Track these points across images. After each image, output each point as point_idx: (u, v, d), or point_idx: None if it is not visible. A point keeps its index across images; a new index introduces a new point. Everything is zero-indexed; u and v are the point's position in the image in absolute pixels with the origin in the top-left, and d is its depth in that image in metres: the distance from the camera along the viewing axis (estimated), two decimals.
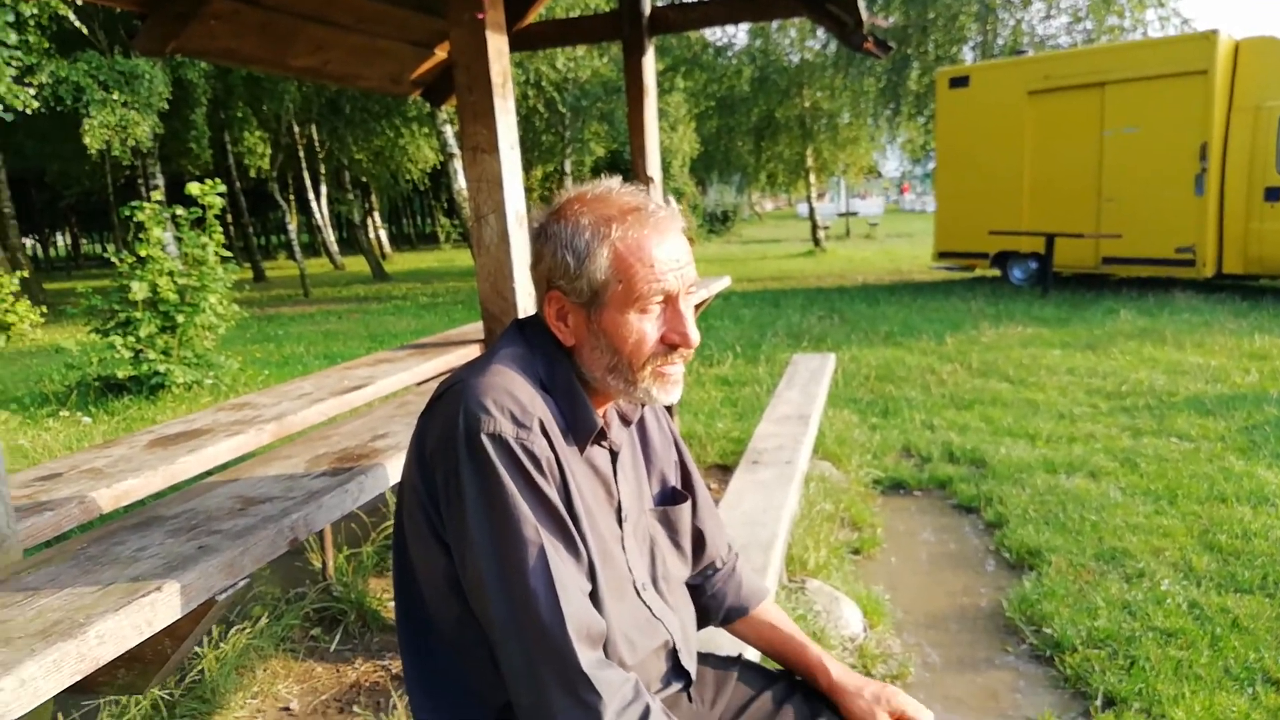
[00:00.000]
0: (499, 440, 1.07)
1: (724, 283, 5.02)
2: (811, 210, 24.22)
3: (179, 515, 1.39)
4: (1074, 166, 11.87)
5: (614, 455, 1.26)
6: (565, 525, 1.10)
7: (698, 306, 4.75)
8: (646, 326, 1.15)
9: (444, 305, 15.22)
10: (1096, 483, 4.38)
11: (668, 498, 1.39)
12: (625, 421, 1.31)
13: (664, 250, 1.16)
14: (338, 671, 2.86)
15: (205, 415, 2.14)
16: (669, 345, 1.17)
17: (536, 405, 1.12)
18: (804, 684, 1.47)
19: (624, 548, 1.24)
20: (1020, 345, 8.05)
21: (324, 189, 25.40)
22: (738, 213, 36.50)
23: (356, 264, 26.52)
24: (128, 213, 7.48)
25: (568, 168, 22.04)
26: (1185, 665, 2.71)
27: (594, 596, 1.14)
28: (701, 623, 1.50)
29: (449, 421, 1.10)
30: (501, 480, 1.06)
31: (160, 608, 1.10)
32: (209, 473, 1.76)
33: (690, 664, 1.33)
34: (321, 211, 25.41)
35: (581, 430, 1.18)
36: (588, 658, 1.05)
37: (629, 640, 1.20)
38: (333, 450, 1.80)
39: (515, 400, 1.10)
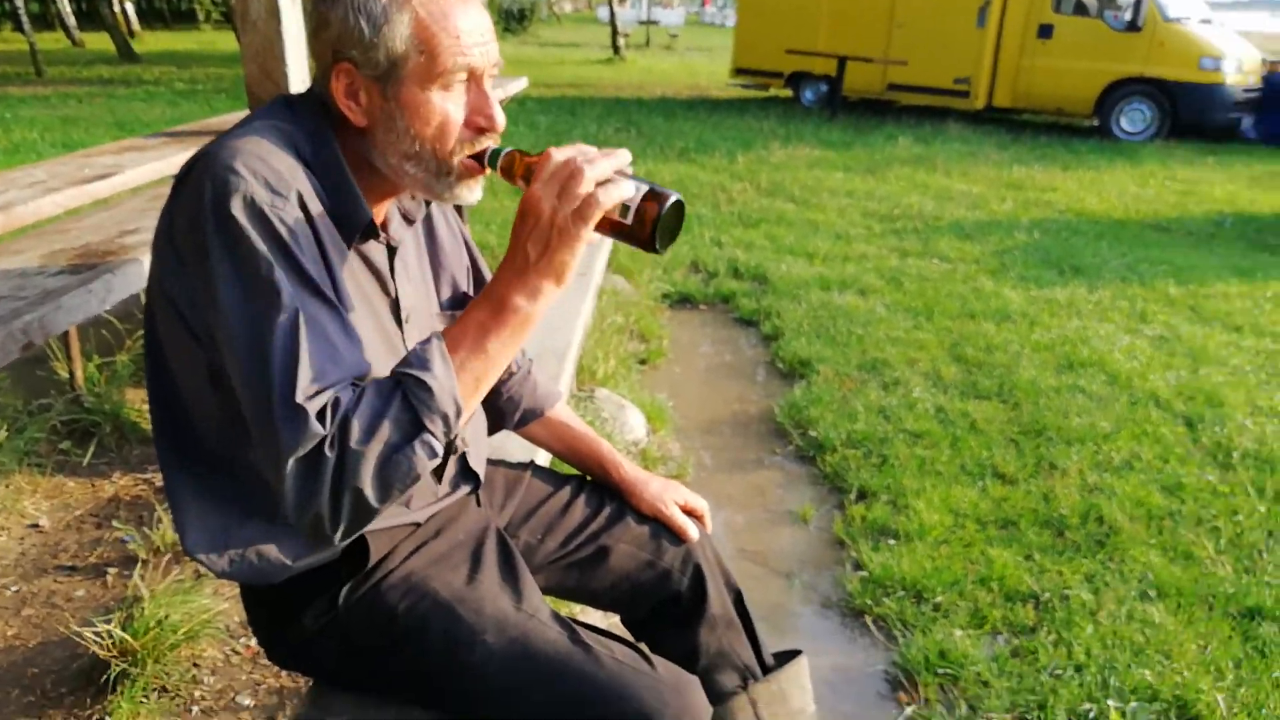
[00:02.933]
0: (251, 207, 0.94)
1: (521, 84, 4.78)
2: (613, 15, 23.36)
3: None
4: None
5: (392, 251, 1.16)
6: (333, 303, 0.98)
7: None
8: (450, 107, 1.03)
9: (204, 93, 13.70)
10: (865, 299, 4.68)
11: (458, 302, 1.32)
12: (408, 220, 1.20)
13: (468, 21, 1.03)
14: (93, 486, 2.66)
15: None
16: (474, 129, 1.06)
17: (297, 177, 0.99)
18: (594, 483, 1.50)
19: (405, 347, 1.17)
20: (807, 167, 8.32)
21: None
22: (535, 12, 34.64)
23: (99, 41, 23.12)
24: None
25: None
26: (929, 463, 3.02)
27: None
28: (496, 427, 1.48)
29: (195, 196, 0.95)
30: (255, 247, 0.93)
31: None
32: None
33: (479, 466, 1.31)
34: None
35: (349, 221, 1.06)
36: (315, 407, 0.91)
37: None
38: (72, 246, 1.56)
39: (269, 167, 0.97)
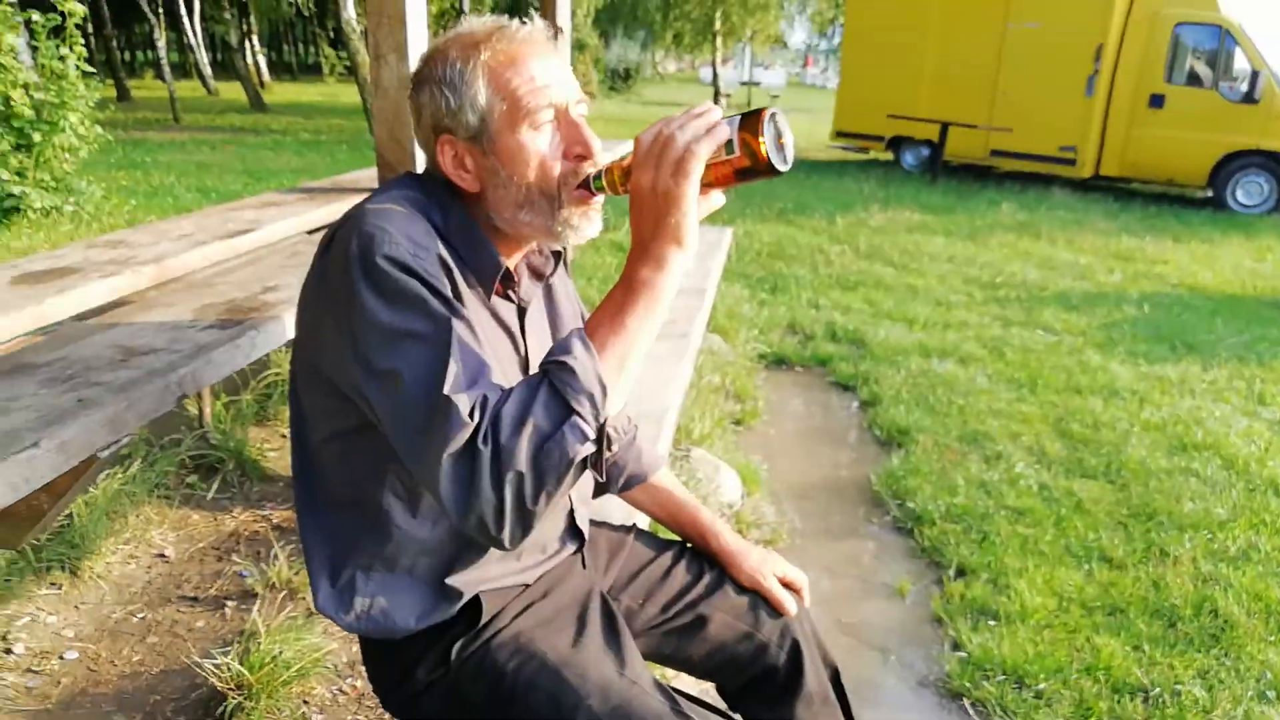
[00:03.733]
0: (395, 257, 0.98)
1: (628, 146, 4.90)
2: (715, 75, 23.82)
3: (52, 363, 1.29)
4: (974, 56, 11.97)
5: (522, 310, 1.23)
6: (470, 325, 1.00)
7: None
8: (543, 144, 1.09)
9: (327, 144, 14.44)
10: (965, 368, 4.61)
11: None
12: (536, 276, 1.26)
13: (539, 63, 1.09)
14: (215, 520, 2.81)
15: (74, 251, 1.97)
16: (574, 159, 1.12)
17: (433, 240, 1.05)
18: (693, 550, 1.53)
19: None
20: (906, 231, 8.27)
21: (197, 4, 23.29)
22: (639, 71, 35.50)
23: (231, 91, 24.67)
24: None
25: (465, 5, 20.79)
26: (1031, 542, 2.95)
27: None
28: (600, 491, 1.53)
29: (342, 252, 1.01)
30: (401, 285, 0.97)
31: (38, 465, 1.02)
32: (80, 317, 1.63)
33: (585, 525, 1.35)
34: (194, 29, 23.38)
35: (484, 273, 1.12)
36: (467, 400, 0.94)
37: None
38: (219, 300, 1.69)
39: (409, 231, 1.02)
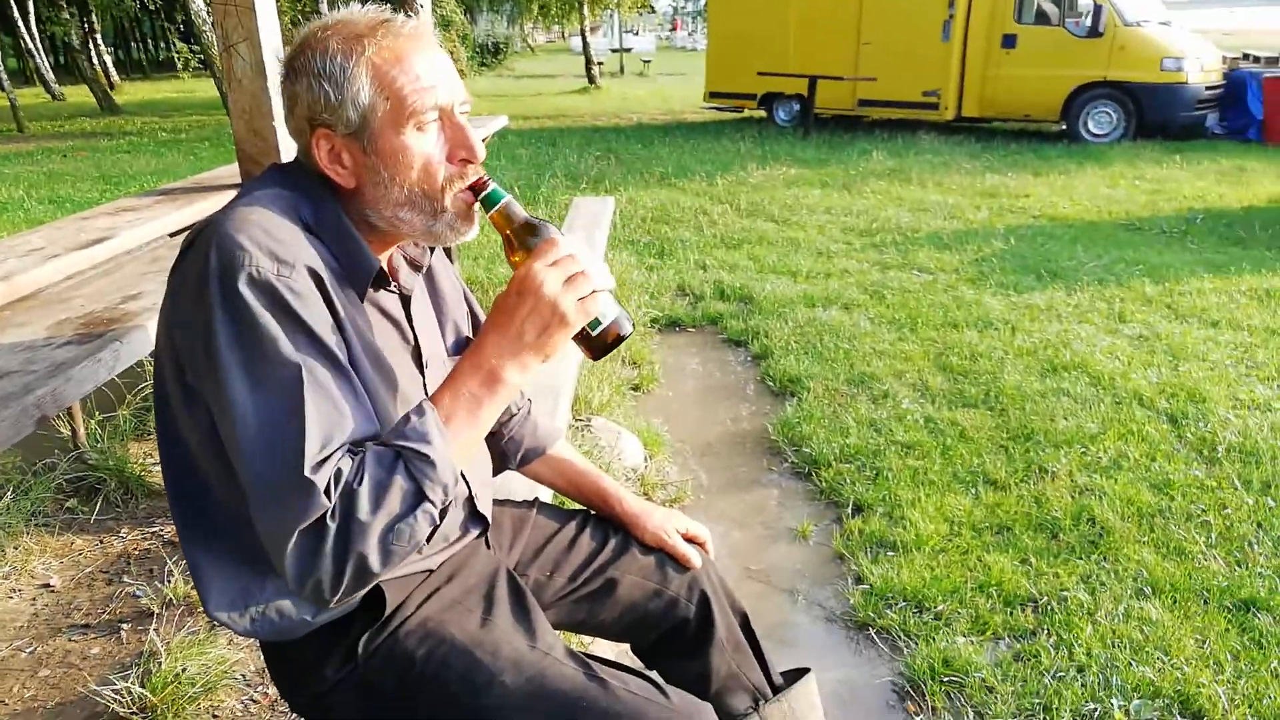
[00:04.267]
0: (258, 281, 0.97)
1: (501, 121, 4.85)
2: (585, 45, 23.61)
3: None
4: (836, 9, 12.24)
5: (405, 299, 1.21)
6: (341, 365, 1.01)
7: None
8: (427, 147, 1.07)
9: (187, 142, 13.77)
10: (849, 314, 4.76)
11: (461, 346, 1.36)
12: (415, 267, 1.25)
13: (425, 61, 1.07)
14: (101, 542, 2.69)
15: None
16: (458, 163, 1.11)
17: (300, 246, 1.02)
18: (597, 517, 1.55)
19: (426, 393, 1.21)
20: (784, 186, 8.43)
21: (31, 5, 21.75)
22: (509, 45, 34.94)
23: (79, 94, 23.21)
24: None
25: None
26: (921, 473, 3.08)
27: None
28: (500, 467, 1.53)
29: (200, 270, 0.98)
30: (258, 322, 0.96)
31: None
32: None
33: (487, 509, 1.35)
34: (30, 31, 21.85)
35: (358, 273, 1.10)
36: (317, 474, 0.95)
37: None
38: (76, 315, 1.60)
39: (274, 238, 1.00)
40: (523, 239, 1.07)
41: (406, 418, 1.01)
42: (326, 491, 0.94)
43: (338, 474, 0.95)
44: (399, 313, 1.20)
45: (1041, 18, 11.29)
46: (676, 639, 1.50)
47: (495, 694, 1.14)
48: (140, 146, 13.44)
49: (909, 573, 2.52)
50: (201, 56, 19.14)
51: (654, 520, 1.51)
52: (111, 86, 25.27)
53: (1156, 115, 10.59)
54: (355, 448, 0.99)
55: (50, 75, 24.25)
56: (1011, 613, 2.37)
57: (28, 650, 2.22)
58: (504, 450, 1.52)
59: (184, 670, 1.95)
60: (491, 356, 1.02)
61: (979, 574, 2.52)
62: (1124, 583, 2.45)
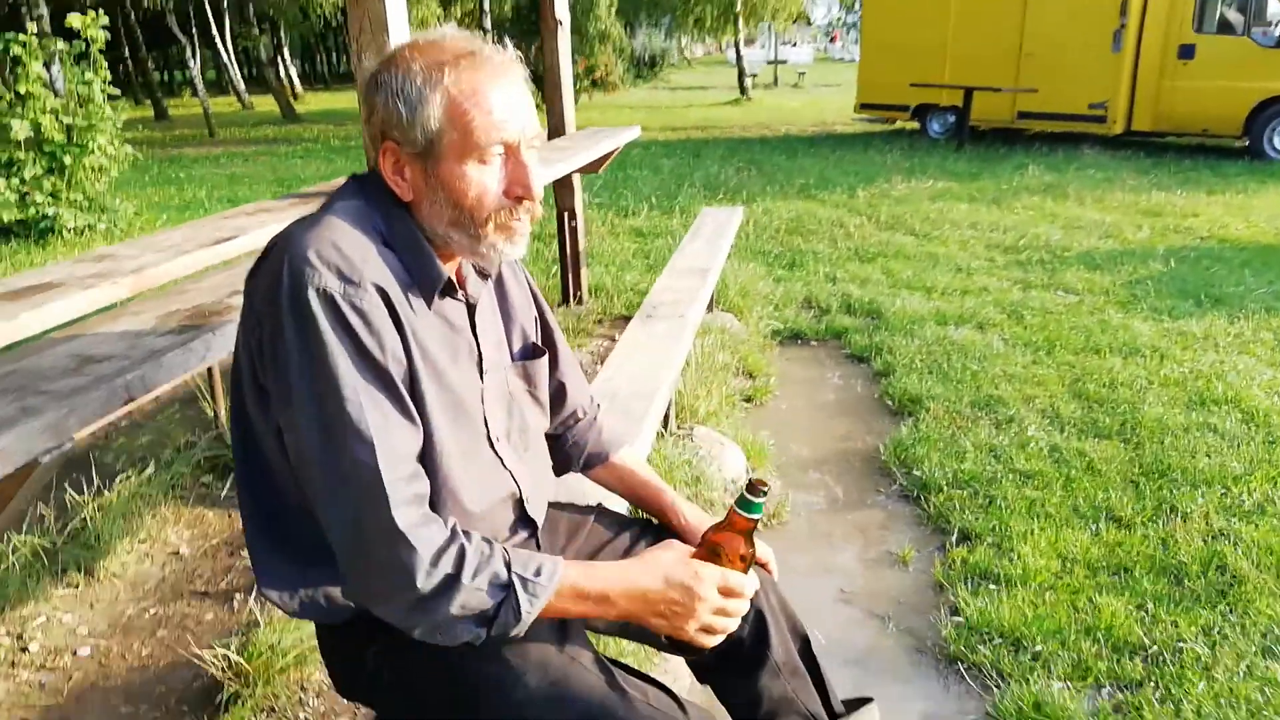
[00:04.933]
0: (324, 296, 1.03)
1: (631, 133, 4.91)
2: (739, 57, 23.60)
3: (5, 376, 1.34)
4: (996, 19, 11.74)
5: (471, 308, 1.25)
6: (394, 385, 1.08)
7: (602, 160, 4.65)
8: (486, 178, 1.12)
9: (357, 149, 14.62)
10: (982, 334, 4.55)
11: (527, 353, 1.39)
12: (483, 275, 1.29)
13: (501, 96, 1.11)
14: (229, 517, 2.89)
15: (62, 268, 2.04)
16: (513, 198, 1.15)
17: (370, 259, 1.08)
18: (659, 527, 1.55)
19: (482, 400, 1.25)
20: (930, 199, 8.15)
21: (227, 22, 23.68)
22: (666, 58, 35.31)
23: (266, 104, 25.08)
24: (2, 46, 6.91)
25: (486, 5, 20.90)
26: (1038, 504, 2.91)
27: (433, 453, 1.13)
28: (563, 469, 1.55)
29: (273, 279, 1.05)
30: (324, 339, 1.03)
31: None
32: (55, 329, 1.70)
33: (537, 512, 1.37)
34: (226, 46, 23.80)
35: (427, 283, 1.15)
36: (406, 516, 1.04)
37: (477, 490, 1.22)
38: (185, 307, 1.73)
39: (343, 255, 1.06)
40: (733, 541, 1.21)
41: (543, 561, 1.11)
42: (429, 558, 1.04)
43: (456, 553, 1.05)
44: (464, 322, 1.23)
45: (1225, 27, 10.48)
46: (729, 658, 1.47)
47: (519, 692, 1.16)
48: (314, 152, 14.38)
49: (1010, 608, 2.39)
50: None
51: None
52: (295, 96, 27.19)
53: None
54: (474, 538, 1.10)
55: (241, 85, 26.27)
56: (1119, 660, 2.20)
57: (151, 611, 2.41)
58: (567, 453, 1.54)
59: (279, 642, 2.07)
60: (622, 597, 1.14)
61: (1087, 616, 2.36)
62: (1250, 638, 2.24)
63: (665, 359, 2.80)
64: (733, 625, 1.18)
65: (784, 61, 36.00)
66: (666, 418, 3.23)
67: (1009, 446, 3.31)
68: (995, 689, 2.15)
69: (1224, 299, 4.92)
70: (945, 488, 3.06)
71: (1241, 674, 2.12)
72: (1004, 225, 7.00)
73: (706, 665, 1.52)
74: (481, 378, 1.25)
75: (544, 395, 1.42)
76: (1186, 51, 10.58)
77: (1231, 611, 2.35)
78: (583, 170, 4.72)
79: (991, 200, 8.02)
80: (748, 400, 3.99)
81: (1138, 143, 11.45)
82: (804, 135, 14.23)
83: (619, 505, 1.79)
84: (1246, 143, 10.43)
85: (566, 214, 4.88)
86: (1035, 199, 7.96)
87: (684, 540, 1.49)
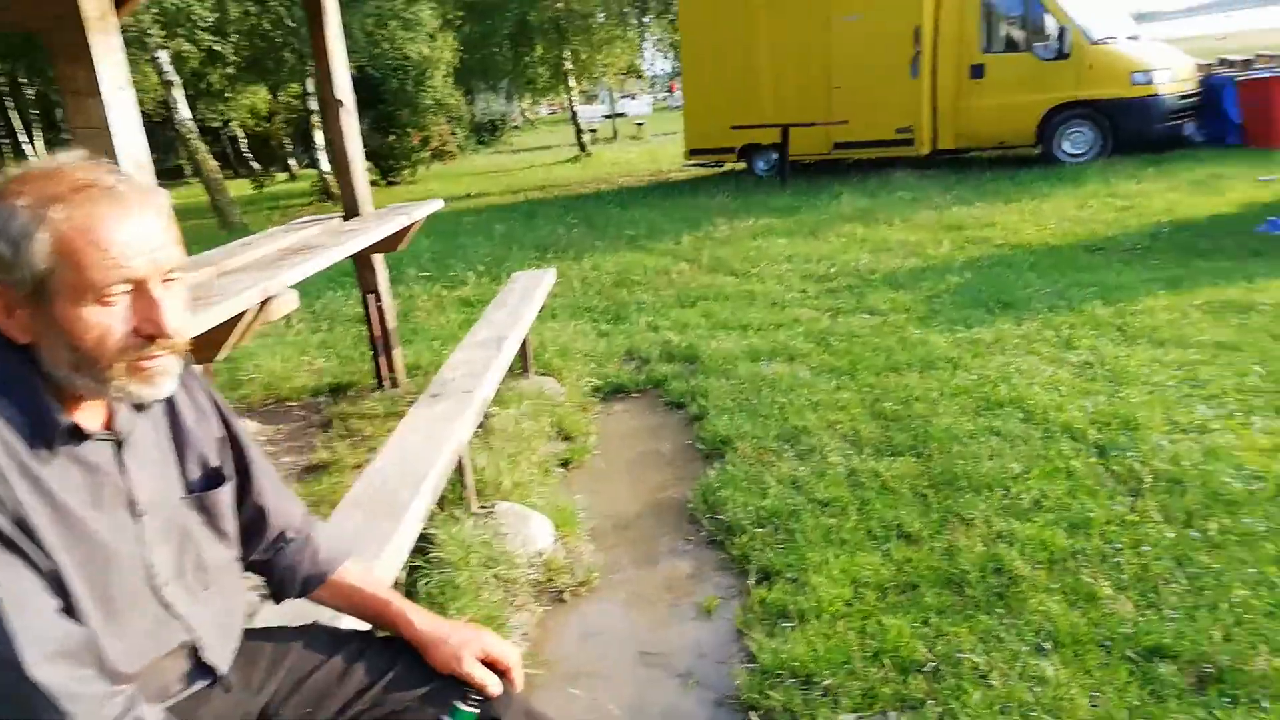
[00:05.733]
0: None
1: (431, 206, 4.86)
2: (574, 114, 23.99)
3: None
4: (805, 57, 12.33)
5: (119, 445, 1.15)
6: (9, 541, 0.99)
7: (400, 235, 4.58)
8: (108, 319, 1.04)
9: None
10: (792, 365, 4.66)
11: (211, 481, 1.30)
12: (138, 407, 1.19)
13: (126, 231, 1.03)
14: None
15: None
16: (144, 337, 1.07)
17: None
18: (386, 638, 1.46)
19: (144, 543, 1.15)
20: (751, 237, 8.39)
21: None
22: (507, 121, 35.58)
23: None
24: None
25: (309, 86, 20.58)
26: (834, 532, 2.95)
27: (73, 609, 1.04)
28: (280, 595, 1.46)
29: None
30: None
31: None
32: None
33: (218, 657, 1.26)
34: None
35: (42, 430, 1.06)
36: (56, 675, 0.96)
37: (136, 646, 1.13)
38: None
39: None
40: None
41: None
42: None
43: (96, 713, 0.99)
44: (108, 461, 1.13)
45: (1009, 45, 11.32)
46: None
47: None
48: None
49: (803, 644, 2.39)
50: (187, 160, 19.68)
51: (448, 645, 1.41)
52: None
53: (1131, 130, 10.49)
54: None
55: None
56: (905, 681, 2.23)
57: None
58: (280, 579, 1.45)
59: None
60: None
61: (876, 640, 2.39)
62: (1024, 637, 2.31)
63: (441, 441, 2.72)
64: None
65: (623, 115, 36.84)
66: (463, 499, 3.14)
67: (810, 476, 3.36)
68: None
69: (1013, 303, 5.20)
70: (749, 527, 3.07)
71: (1015, 676, 2.17)
72: (818, 255, 7.25)
73: None
74: (136, 520, 1.16)
75: (229, 525, 1.32)
76: (977, 71, 11.35)
77: (1007, 613, 2.42)
78: (381, 249, 4.63)
79: (809, 232, 8.32)
80: (564, 464, 3.94)
81: (946, 161, 12.14)
82: (639, 186, 14.51)
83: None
84: (1039, 150, 11.20)
85: (370, 296, 4.78)
86: (849, 226, 8.29)
87: (423, 651, 1.41)
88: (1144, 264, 5.82)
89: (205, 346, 2.52)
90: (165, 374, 1.11)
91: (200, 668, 1.24)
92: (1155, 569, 2.52)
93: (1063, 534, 2.74)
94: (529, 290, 4.77)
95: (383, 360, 4.88)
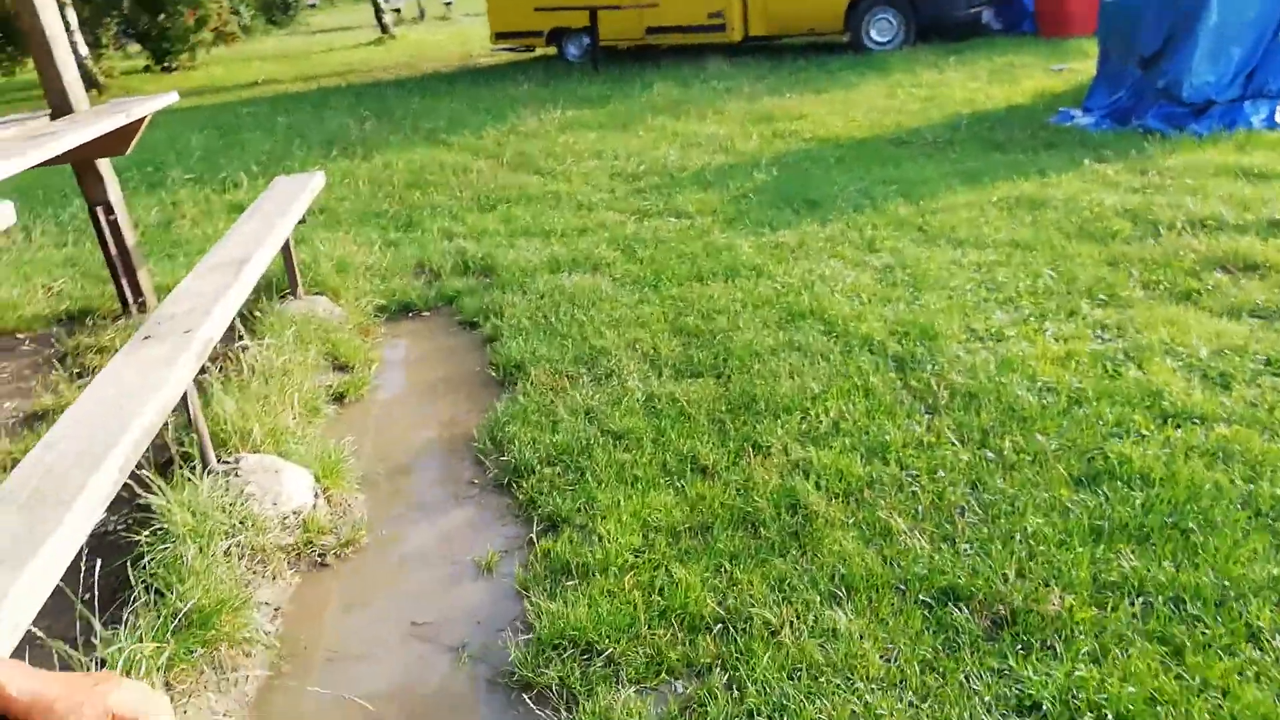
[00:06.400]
0: None
1: (164, 100, 4.13)
2: None
3: None
4: None
5: None
6: None
7: (128, 133, 3.88)
8: None
9: None
10: (594, 276, 4.35)
11: None
12: None
13: None
14: None
15: None
16: None
17: None
18: None
19: None
20: (559, 131, 7.91)
21: None
22: (300, 0, 32.54)
23: None
24: None
25: None
26: (628, 468, 2.71)
27: None
28: None
29: None
30: None
31: None
32: None
33: None
34: None
35: None
36: None
37: None
38: None
39: None
40: None
41: None
42: None
43: None
44: None
45: None
46: None
47: None
48: None
49: (584, 607, 2.15)
50: None
51: (55, 711, 1.04)
52: None
53: (931, 15, 10.56)
54: None
55: None
56: (693, 643, 2.04)
57: None
58: None
59: None
60: None
61: (664, 596, 2.18)
62: (819, 585, 2.16)
63: (144, 399, 2.23)
64: None
65: None
66: (191, 456, 2.68)
67: (606, 404, 3.10)
68: (567, 713, 1.90)
69: (819, 202, 5.06)
70: (538, 467, 2.79)
71: (807, 632, 2.01)
72: (628, 151, 6.89)
73: None
74: None
75: None
76: None
77: (803, 555, 2.27)
78: (104, 152, 3.93)
79: (620, 125, 7.91)
80: (340, 399, 3.52)
81: (760, 48, 11.90)
82: (445, 72, 13.51)
83: None
84: (848, 38, 11.13)
85: (100, 209, 4.07)
86: (660, 119, 7.94)
87: None
88: (945, 158, 5.80)
89: None
90: None
91: None
92: (950, 497, 2.42)
93: (860, 461, 2.61)
94: (291, 196, 4.18)
95: (125, 282, 4.22)
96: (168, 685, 2.04)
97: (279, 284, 4.28)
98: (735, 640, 2.02)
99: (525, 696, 1.99)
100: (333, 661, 2.21)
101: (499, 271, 4.57)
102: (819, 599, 2.11)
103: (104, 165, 4.04)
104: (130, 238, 4.19)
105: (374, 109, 10.17)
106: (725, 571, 2.24)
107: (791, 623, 2.04)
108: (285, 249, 4.09)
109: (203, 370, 2.78)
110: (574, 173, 6.42)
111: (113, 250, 4.13)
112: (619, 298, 4.03)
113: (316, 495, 2.80)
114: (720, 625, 2.08)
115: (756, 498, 2.49)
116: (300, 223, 4.19)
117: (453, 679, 2.11)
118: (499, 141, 7.70)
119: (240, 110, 10.97)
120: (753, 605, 2.10)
